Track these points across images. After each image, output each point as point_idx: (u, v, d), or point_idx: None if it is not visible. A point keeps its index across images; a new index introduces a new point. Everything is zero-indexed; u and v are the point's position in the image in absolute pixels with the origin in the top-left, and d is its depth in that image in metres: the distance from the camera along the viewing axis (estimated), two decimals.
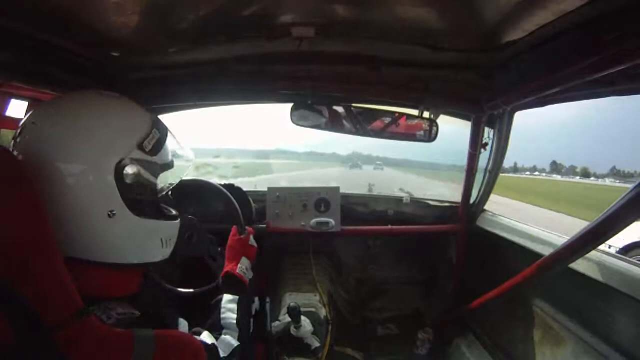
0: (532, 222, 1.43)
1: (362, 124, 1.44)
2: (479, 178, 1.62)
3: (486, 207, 1.67)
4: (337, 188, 1.65)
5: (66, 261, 0.54)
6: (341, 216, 1.61)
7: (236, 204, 1.32)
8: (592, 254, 0.98)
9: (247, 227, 1.14)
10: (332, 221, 1.59)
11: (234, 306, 0.93)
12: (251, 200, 1.55)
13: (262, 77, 1.29)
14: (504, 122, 1.46)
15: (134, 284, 0.69)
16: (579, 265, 1.01)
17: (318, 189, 1.63)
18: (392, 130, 1.44)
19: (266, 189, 1.63)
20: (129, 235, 0.64)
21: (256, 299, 1.29)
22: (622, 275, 0.91)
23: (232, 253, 1.05)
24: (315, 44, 1.05)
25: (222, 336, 0.83)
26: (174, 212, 0.76)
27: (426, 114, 1.42)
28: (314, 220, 1.59)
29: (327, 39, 1.02)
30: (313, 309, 1.36)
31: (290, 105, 1.41)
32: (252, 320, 1.00)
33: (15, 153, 0.59)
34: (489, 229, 1.56)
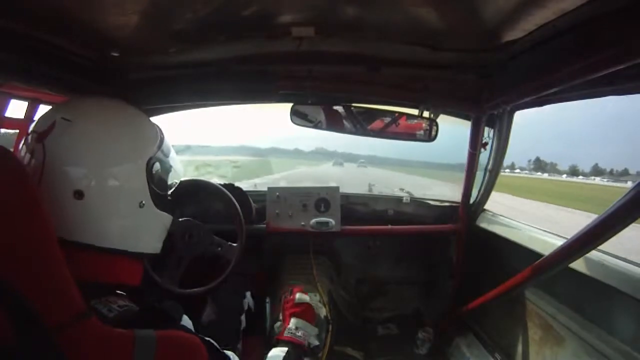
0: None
1: (362, 124, 1.44)
2: (479, 178, 1.63)
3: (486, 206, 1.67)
4: (337, 188, 1.66)
5: (76, 247, 0.61)
6: (341, 216, 1.61)
7: (236, 204, 1.33)
8: (592, 254, 0.98)
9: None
10: (332, 221, 1.59)
11: None
12: (251, 200, 1.55)
13: (262, 77, 1.29)
14: (503, 121, 1.46)
15: (138, 274, 0.73)
16: (579, 265, 1.01)
17: (318, 189, 1.63)
18: (392, 130, 1.44)
19: (266, 189, 1.64)
20: (150, 225, 0.72)
21: (248, 294, 1.30)
22: (622, 275, 0.91)
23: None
24: (315, 44, 1.04)
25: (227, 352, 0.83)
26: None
27: (426, 114, 1.42)
28: (314, 220, 1.59)
29: (327, 39, 1.02)
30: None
31: (290, 105, 1.41)
32: (242, 317, 0.99)
33: (40, 145, 0.62)
34: (489, 228, 1.56)
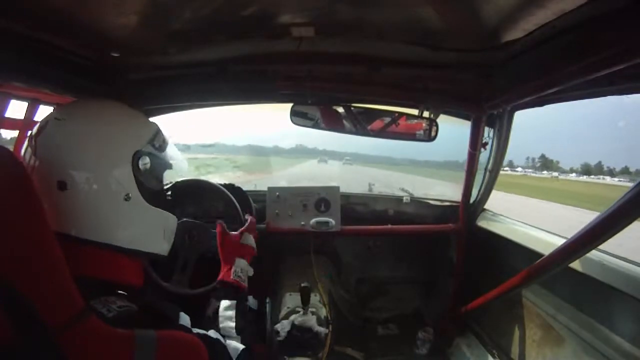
0: None
1: (362, 124, 1.44)
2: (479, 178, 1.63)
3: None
4: (337, 188, 1.66)
5: (78, 243, 0.62)
6: (341, 216, 1.61)
7: (236, 203, 1.33)
8: (592, 253, 0.98)
9: (246, 217, 1.10)
10: (332, 221, 1.59)
11: (232, 313, 0.92)
12: (251, 200, 1.55)
13: (262, 77, 1.29)
14: (503, 121, 1.46)
15: (138, 275, 0.73)
16: (579, 265, 1.01)
17: (318, 188, 1.63)
18: (391, 130, 1.44)
19: (266, 189, 1.64)
20: (140, 220, 0.71)
21: (250, 297, 1.30)
22: (622, 275, 0.91)
23: (224, 255, 1.00)
24: (315, 43, 1.05)
25: (228, 341, 0.83)
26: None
27: (426, 114, 1.42)
28: (314, 220, 1.59)
29: (327, 39, 1.02)
30: (313, 309, 1.36)
31: (290, 105, 1.41)
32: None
33: (32, 146, 0.65)
34: (489, 228, 1.56)
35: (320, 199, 1.61)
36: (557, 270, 1.05)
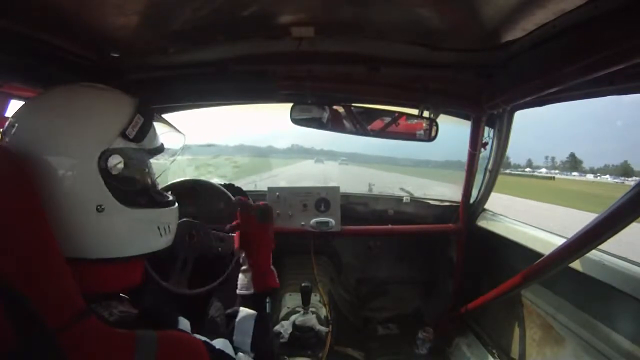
0: None
1: (362, 124, 1.44)
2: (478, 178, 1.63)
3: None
4: (338, 188, 1.66)
5: (71, 262, 0.53)
6: (341, 216, 1.61)
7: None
8: (592, 253, 0.98)
9: (259, 203, 0.94)
10: (332, 221, 1.59)
11: (249, 327, 0.81)
12: (251, 200, 1.55)
13: (262, 77, 1.29)
14: (503, 121, 1.46)
15: (136, 275, 0.68)
16: (579, 265, 1.01)
17: (318, 188, 1.63)
18: (392, 130, 1.44)
19: (266, 189, 1.64)
20: (123, 228, 0.61)
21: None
22: (622, 275, 0.91)
23: (257, 252, 0.88)
24: (315, 44, 1.04)
25: (238, 354, 0.78)
26: (170, 197, 0.73)
27: (426, 114, 1.42)
28: (314, 220, 1.59)
29: (327, 39, 1.02)
30: (313, 309, 1.36)
31: (290, 105, 1.41)
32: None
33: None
34: (489, 228, 1.56)
35: (321, 199, 1.61)
36: (557, 270, 1.05)
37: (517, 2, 0.73)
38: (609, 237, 0.85)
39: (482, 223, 1.62)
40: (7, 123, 0.60)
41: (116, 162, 0.59)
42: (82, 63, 1.06)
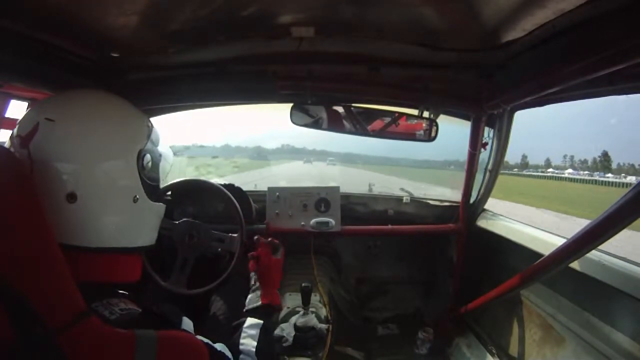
0: None
1: (361, 124, 1.44)
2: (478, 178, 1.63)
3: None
4: (338, 188, 1.66)
5: (76, 251, 0.60)
6: (341, 216, 1.61)
7: (236, 203, 1.33)
8: (592, 253, 0.98)
9: (274, 241, 1.11)
10: (332, 221, 1.59)
11: (256, 332, 0.87)
12: (251, 200, 1.55)
13: (262, 77, 1.29)
14: (503, 121, 1.46)
15: (137, 269, 0.73)
16: (579, 265, 1.01)
17: (318, 189, 1.63)
18: (392, 130, 1.44)
19: (266, 189, 1.64)
20: (145, 218, 0.70)
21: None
22: (622, 275, 0.91)
23: (270, 278, 1.03)
24: (315, 44, 1.05)
25: (242, 356, 0.82)
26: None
27: (426, 114, 1.42)
28: (314, 220, 1.59)
29: (327, 39, 1.02)
30: (313, 309, 1.36)
31: (290, 105, 1.41)
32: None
33: (25, 150, 0.59)
34: (489, 229, 1.56)
35: (321, 199, 1.61)
36: (557, 270, 1.05)
37: (517, 2, 0.73)
38: (609, 238, 0.84)
39: (482, 223, 1.62)
40: (30, 125, 0.60)
41: (147, 160, 0.69)
42: (82, 63, 1.06)
